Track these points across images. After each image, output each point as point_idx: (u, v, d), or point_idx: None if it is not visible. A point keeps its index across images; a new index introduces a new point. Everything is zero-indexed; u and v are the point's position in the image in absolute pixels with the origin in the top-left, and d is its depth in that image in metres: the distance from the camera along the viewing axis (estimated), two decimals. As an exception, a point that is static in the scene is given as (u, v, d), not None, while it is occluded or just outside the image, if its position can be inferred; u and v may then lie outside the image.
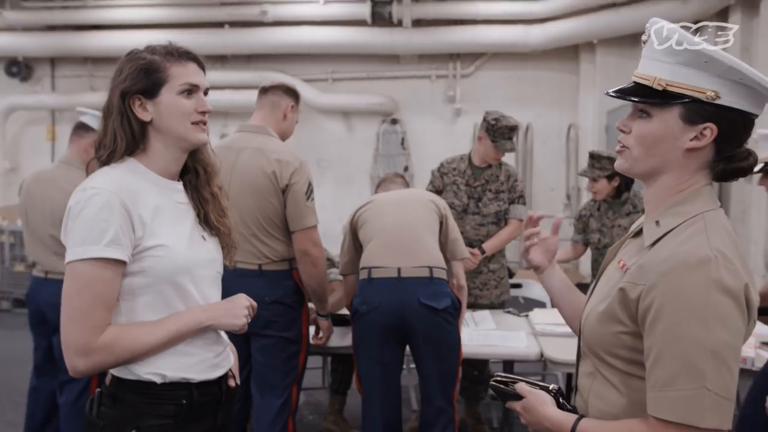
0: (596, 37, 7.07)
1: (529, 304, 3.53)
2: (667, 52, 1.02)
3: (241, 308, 1.40)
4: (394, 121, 8.02)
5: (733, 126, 1.02)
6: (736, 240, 1.03)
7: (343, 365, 3.32)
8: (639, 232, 1.15)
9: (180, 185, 1.43)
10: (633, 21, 6.63)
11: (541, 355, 2.62)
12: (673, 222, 1.05)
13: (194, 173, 1.45)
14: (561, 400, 1.16)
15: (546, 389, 1.17)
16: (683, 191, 1.07)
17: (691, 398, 0.94)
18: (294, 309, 2.45)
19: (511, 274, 3.56)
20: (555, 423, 1.11)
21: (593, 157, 3.37)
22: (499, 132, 3.22)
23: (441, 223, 2.65)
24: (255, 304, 1.45)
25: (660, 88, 1.02)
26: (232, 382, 1.45)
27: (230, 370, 1.45)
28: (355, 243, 2.64)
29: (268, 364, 2.41)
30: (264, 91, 2.55)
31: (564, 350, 2.56)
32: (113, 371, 1.31)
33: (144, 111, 1.33)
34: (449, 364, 2.46)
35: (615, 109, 6.78)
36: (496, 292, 3.36)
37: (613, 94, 1.11)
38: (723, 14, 6.10)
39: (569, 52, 7.58)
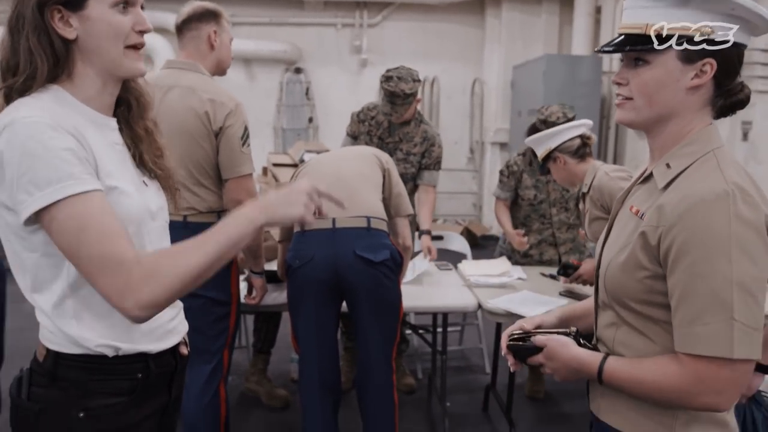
0: (503, -9, 7.08)
1: (453, 257, 3.51)
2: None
3: (298, 193, 1.09)
4: (298, 71, 7.69)
5: (730, 58, 1.02)
6: (749, 174, 1.02)
7: (266, 323, 3.14)
8: (648, 177, 1.12)
9: (114, 122, 1.17)
10: (540, -24, 6.70)
11: (479, 305, 2.59)
12: (684, 162, 1.04)
13: (126, 106, 1.20)
14: (582, 341, 1.13)
15: (565, 333, 1.15)
16: (689, 132, 1.06)
17: (720, 331, 0.93)
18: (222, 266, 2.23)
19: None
20: (581, 361, 1.10)
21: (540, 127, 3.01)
22: (386, 95, 3.06)
23: (384, 178, 2.51)
24: (321, 188, 1.14)
25: (655, 34, 1.01)
26: (184, 350, 1.26)
27: (184, 336, 1.25)
28: None
29: (195, 328, 2.15)
30: (179, 29, 2.21)
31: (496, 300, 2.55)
32: (49, 344, 1.07)
33: (67, 26, 1.05)
34: (388, 321, 2.33)
35: (521, 65, 6.88)
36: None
37: (608, 50, 1.08)
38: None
39: (475, 6, 7.56)
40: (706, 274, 0.94)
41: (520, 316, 2.45)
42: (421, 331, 3.39)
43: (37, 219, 0.98)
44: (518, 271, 2.99)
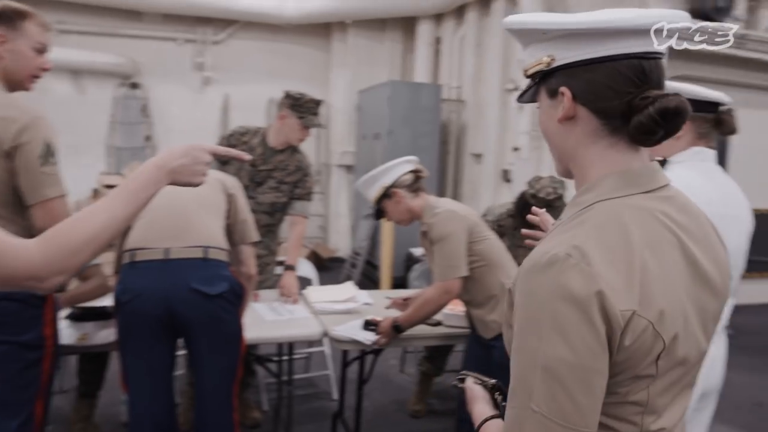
0: (349, 18, 7.22)
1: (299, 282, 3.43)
2: (518, 41, 0.97)
3: (203, 164, 1.24)
4: (135, 86, 7.22)
5: (588, 78, 0.87)
6: (631, 236, 0.82)
7: (91, 364, 2.84)
8: None
9: None
10: (384, 6, 6.93)
11: (325, 333, 2.54)
12: (568, 213, 0.90)
13: None
14: (497, 395, 1.06)
15: (485, 385, 1.08)
16: (591, 176, 0.91)
17: (515, 418, 0.80)
18: (31, 306, 1.92)
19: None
20: (475, 419, 1.01)
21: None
22: (305, 107, 3.02)
23: (229, 203, 2.38)
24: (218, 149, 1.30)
25: (526, 77, 0.97)
26: None
27: None
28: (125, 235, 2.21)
29: (-1, 379, 1.88)
30: None
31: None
32: None
33: None
34: (228, 357, 2.19)
35: (366, 90, 7.04)
36: (261, 277, 3.17)
37: (521, 100, 1.02)
38: (461, 11, 6.69)
39: (322, 29, 7.63)
40: (518, 348, 0.81)
41: (365, 343, 2.44)
42: (266, 362, 3.26)
43: None
44: (364, 296, 2.99)
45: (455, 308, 2.58)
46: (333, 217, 7.85)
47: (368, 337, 2.43)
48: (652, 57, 0.87)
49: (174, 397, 2.22)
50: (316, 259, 7.01)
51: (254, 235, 2.47)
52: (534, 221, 1.53)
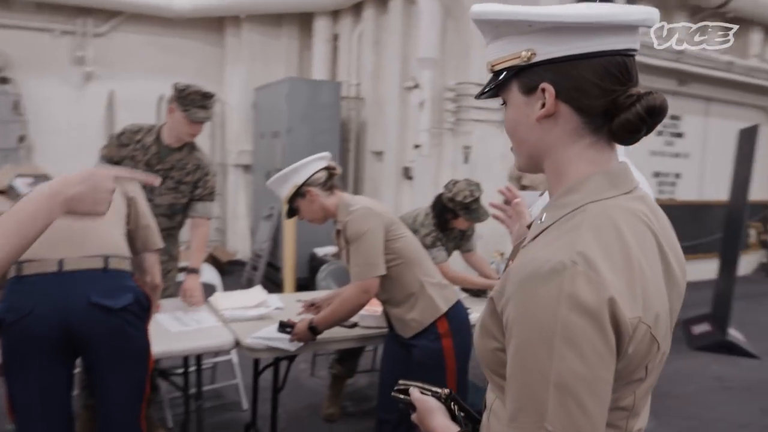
0: (243, 12, 6.99)
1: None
2: (484, 32, 0.91)
3: (105, 192, 1.14)
4: (4, 80, 6.58)
5: (573, 74, 0.84)
6: (627, 240, 0.80)
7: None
8: None
9: None
10: (280, 1, 6.78)
11: (237, 342, 2.41)
12: (553, 216, 0.85)
13: None
14: (453, 405, 1.01)
15: (437, 395, 1.01)
16: (570, 175, 0.87)
17: None
18: None
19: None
20: None
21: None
22: (189, 99, 2.85)
23: (129, 207, 2.19)
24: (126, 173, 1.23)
25: (492, 72, 0.91)
26: None
27: None
28: None
29: None
30: None
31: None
32: None
33: None
34: (135, 376, 2.01)
35: (263, 87, 6.84)
36: (163, 284, 2.97)
37: (482, 96, 0.97)
38: (359, 7, 6.67)
39: (214, 24, 7.34)
40: (524, 365, 0.76)
41: (283, 350, 2.35)
42: (170, 376, 3.07)
43: None
44: (275, 301, 2.88)
45: (371, 308, 2.54)
46: (231, 219, 7.57)
47: (285, 346, 2.34)
48: (632, 54, 0.86)
49: (73, 423, 2.02)
50: (214, 262, 6.73)
51: (158, 241, 2.30)
52: (506, 194, 1.51)
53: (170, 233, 3.06)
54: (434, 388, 1.05)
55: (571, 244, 0.77)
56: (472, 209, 3.05)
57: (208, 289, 3.35)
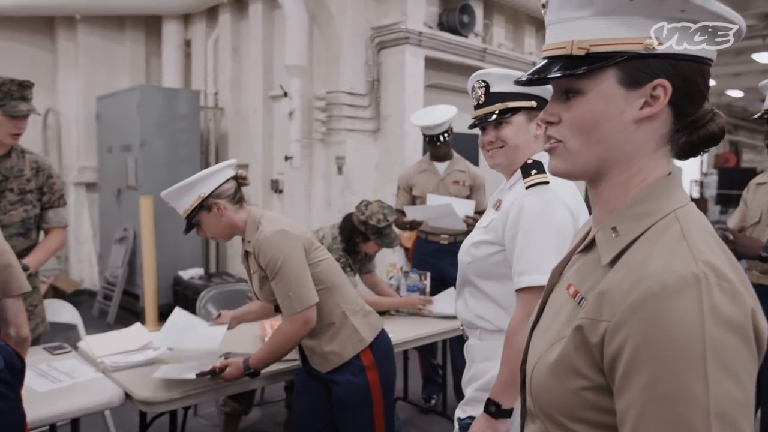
0: (78, 12, 6.25)
1: (63, 331, 2.75)
2: (578, 5, 0.76)
3: None
4: None
5: (689, 77, 0.76)
6: (724, 246, 0.74)
7: None
8: (591, 244, 0.82)
9: None
10: (120, 2, 6.17)
11: (126, 395, 2.04)
12: (637, 227, 0.75)
13: None
14: None
15: None
16: (642, 183, 0.79)
17: None
18: None
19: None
20: None
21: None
22: (4, 92, 2.45)
23: None
24: None
25: (582, 53, 0.76)
26: None
27: None
28: None
29: None
30: None
31: (151, 386, 2.06)
32: None
33: None
34: None
35: (107, 96, 6.17)
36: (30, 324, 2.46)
37: (529, 77, 0.81)
38: (213, 12, 6.26)
39: (43, 24, 6.50)
40: (671, 397, 0.64)
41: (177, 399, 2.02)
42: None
43: None
44: (162, 340, 2.50)
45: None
46: (73, 244, 6.72)
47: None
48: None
49: None
50: (57, 294, 5.93)
51: (23, 284, 1.85)
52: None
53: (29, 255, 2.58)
54: None
55: (691, 255, 0.69)
56: (384, 234, 2.88)
57: (71, 330, 2.87)
